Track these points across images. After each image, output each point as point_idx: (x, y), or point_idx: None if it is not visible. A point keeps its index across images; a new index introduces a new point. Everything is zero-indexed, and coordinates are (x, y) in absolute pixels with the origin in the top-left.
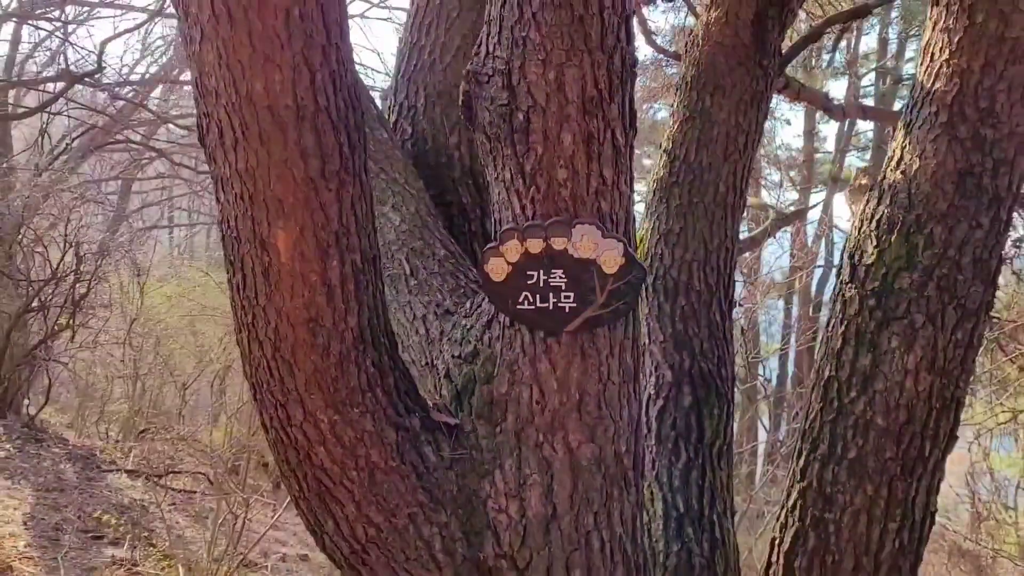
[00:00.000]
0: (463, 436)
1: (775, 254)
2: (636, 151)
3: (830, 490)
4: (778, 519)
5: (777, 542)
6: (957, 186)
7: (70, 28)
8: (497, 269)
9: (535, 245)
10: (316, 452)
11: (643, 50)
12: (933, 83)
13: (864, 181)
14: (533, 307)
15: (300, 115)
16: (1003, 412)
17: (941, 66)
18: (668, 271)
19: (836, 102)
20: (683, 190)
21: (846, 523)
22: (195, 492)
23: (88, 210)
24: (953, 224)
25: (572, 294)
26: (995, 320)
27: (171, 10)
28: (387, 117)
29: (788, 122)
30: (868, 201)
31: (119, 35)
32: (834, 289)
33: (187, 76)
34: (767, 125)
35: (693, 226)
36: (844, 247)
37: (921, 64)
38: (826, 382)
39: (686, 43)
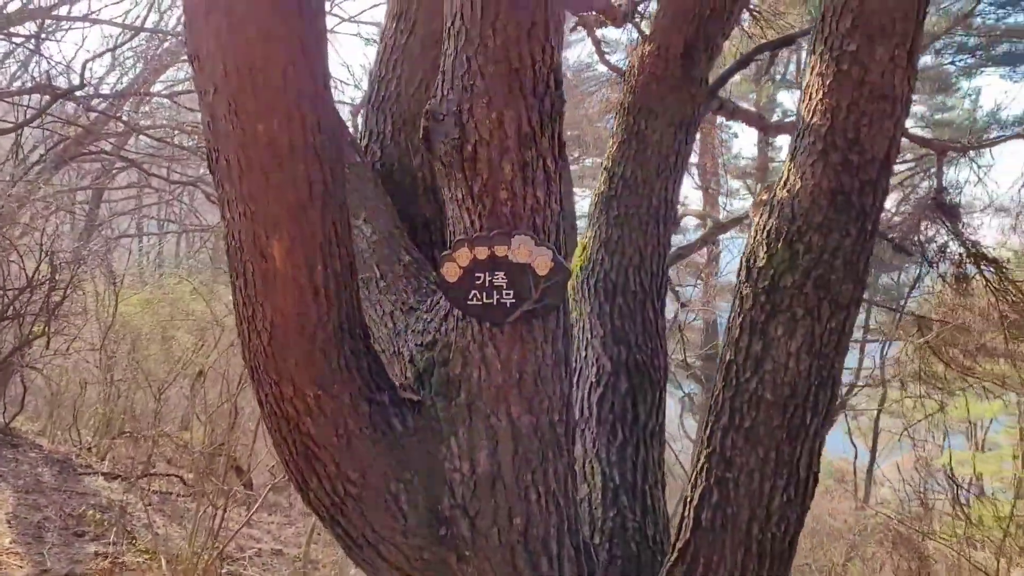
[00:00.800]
0: (424, 409)
1: (726, 259)
2: (597, 159)
3: (730, 454)
4: (689, 480)
5: (688, 499)
6: (831, 202)
7: (42, 40)
8: (451, 272)
9: (482, 252)
10: (303, 422)
11: (599, 68)
12: (812, 118)
13: (764, 197)
14: (480, 303)
15: (293, 151)
16: (904, 398)
17: (817, 104)
18: (608, 274)
19: (788, 118)
20: (621, 203)
21: (743, 481)
22: (170, 493)
23: (61, 219)
24: (827, 233)
25: (512, 292)
26: (923, 319)
27: (148, 26)
28: (359, 141)
29: (736, 135)
30: (762, 214)
31: (100, 54)
32: (734, 288)
33: (157, 88)
34: (723, 136)
35: (630, 235)
36: (743, 252)
37: (802, 102)
38: (727, 365)
39: (625, 72)
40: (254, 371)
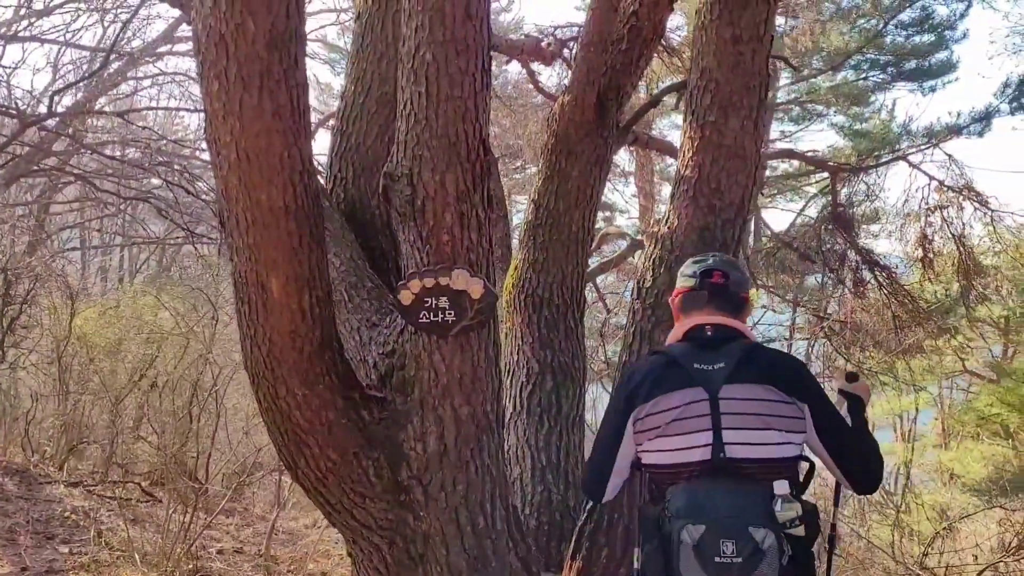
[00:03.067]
0: (386, 403)
1: None
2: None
3: None
4: None
5: None
6: (699, 236)
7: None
8: (406, 297)
9: (429, 282)
10: (294, 415)
11: (541, 79)
12: (685, 171)
13: (654, 230)
14: (429, 320)
15: (287, 212)
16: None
17: (689, 160)
18: (535, 290)
19: None
20: (545, 230)
21: None
22: (130, 499)
23: (17, 235)
24: None
25: (453, 312)
26: (821, 317)
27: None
28: (326, 186)
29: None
30: (649, 245)
31: (69, 86)
32: (629, 304)
33: (101, 103)
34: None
35: (553, 256)
36: (636, 275)
37: (679, 159)
38: (623, 364)
39: (547, 118)
40: (254, 376)
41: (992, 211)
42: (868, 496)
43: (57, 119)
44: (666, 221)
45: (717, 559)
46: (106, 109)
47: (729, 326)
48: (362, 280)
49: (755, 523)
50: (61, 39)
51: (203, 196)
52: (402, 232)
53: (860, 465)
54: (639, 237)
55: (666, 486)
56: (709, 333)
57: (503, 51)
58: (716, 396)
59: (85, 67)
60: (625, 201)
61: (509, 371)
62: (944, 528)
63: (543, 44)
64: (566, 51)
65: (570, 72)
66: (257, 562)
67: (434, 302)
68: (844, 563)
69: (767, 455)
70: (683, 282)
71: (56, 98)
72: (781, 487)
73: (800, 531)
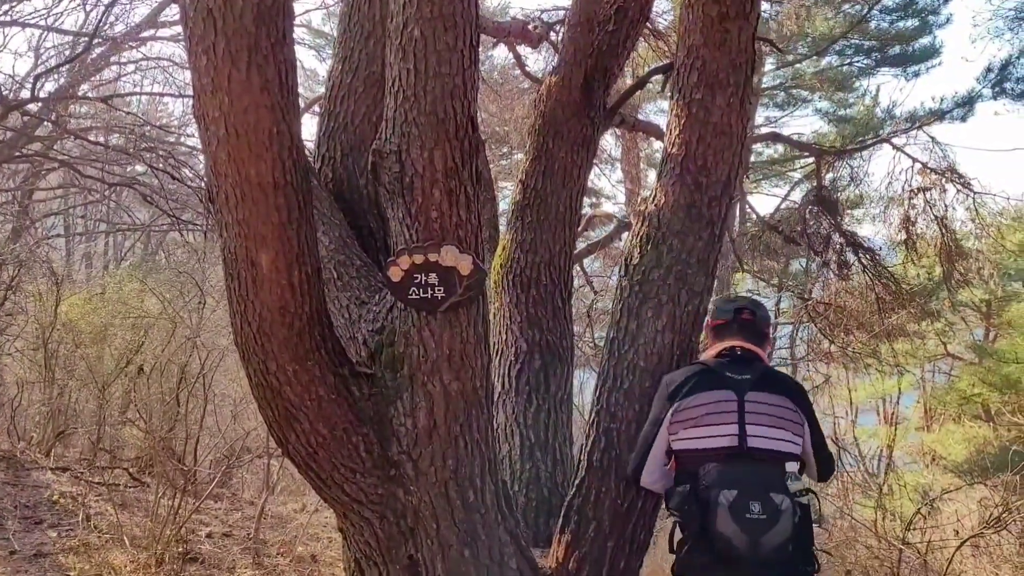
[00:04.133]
0: (376, 380)
1: None
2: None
3: (614, 409)
4: (585, 433)
5: (584, 447)
6: (686, 214)
7: None
8: (395, 273)
9: (418, 258)
10: (284, 390)
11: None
12: (672, 149)
13: (642, 208)
14: (418, 297)
15: (276, 187)
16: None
17: (676, 138)
18: (523, 270)
19: None
20: (533, 210)
21: (623, 430)
22: (118, 485)
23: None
24: (684, 238)
25: (442, 288)
26: (806, 300)
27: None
28: (314, 166)
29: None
30: (637, 223)
31: (51, 70)
32: (616, 282)
33: (84, 89)
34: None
35: (541, 237)
36: (623, 253)
37: (666, 137)
38: (611, 341)
39: (535, 99)
40: (244, 352)
41: (975, 193)
42: (851, 476)
43: (40, 104)
44: (653, 199)
45: (748, 516)
46: (89, 94)
47: (754, 350)
48: (351, 258)
49: (775, 490)
50: (43, 23)
51: (188, 183)
52: (391, 209)
53: (829, 463)
54: (627, 220)
55: (695, 467)
56: (739, 353)
57: (490, 33)
58: (743, 398)
59: (67, 52)
60: (612, 186)
61: (497, 350)
62: (926, 505)
63: (529, 27)
64: (552, 34)
65: (556, 56)
66: (246, 545)
67: (423, 278)
68: (828, 540)
69: (778, 448)
70: (718, 316)
71: (38, 83)
72: (791, 466)
73: (805, 500)
